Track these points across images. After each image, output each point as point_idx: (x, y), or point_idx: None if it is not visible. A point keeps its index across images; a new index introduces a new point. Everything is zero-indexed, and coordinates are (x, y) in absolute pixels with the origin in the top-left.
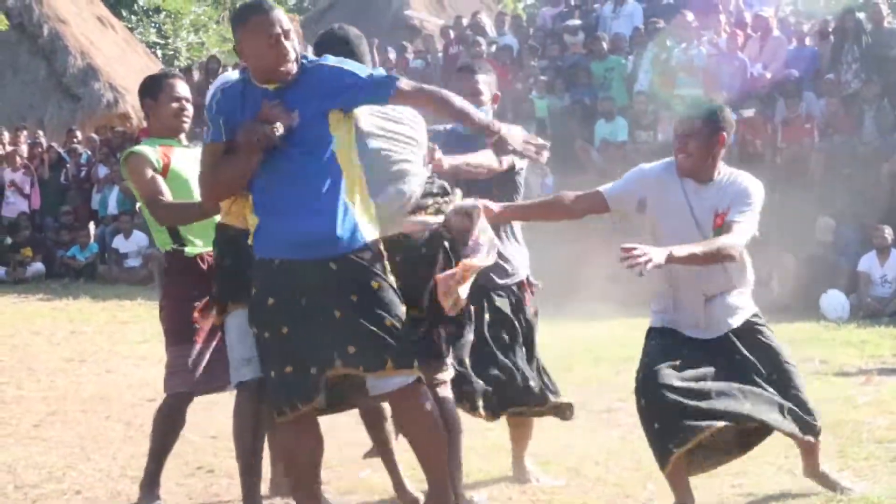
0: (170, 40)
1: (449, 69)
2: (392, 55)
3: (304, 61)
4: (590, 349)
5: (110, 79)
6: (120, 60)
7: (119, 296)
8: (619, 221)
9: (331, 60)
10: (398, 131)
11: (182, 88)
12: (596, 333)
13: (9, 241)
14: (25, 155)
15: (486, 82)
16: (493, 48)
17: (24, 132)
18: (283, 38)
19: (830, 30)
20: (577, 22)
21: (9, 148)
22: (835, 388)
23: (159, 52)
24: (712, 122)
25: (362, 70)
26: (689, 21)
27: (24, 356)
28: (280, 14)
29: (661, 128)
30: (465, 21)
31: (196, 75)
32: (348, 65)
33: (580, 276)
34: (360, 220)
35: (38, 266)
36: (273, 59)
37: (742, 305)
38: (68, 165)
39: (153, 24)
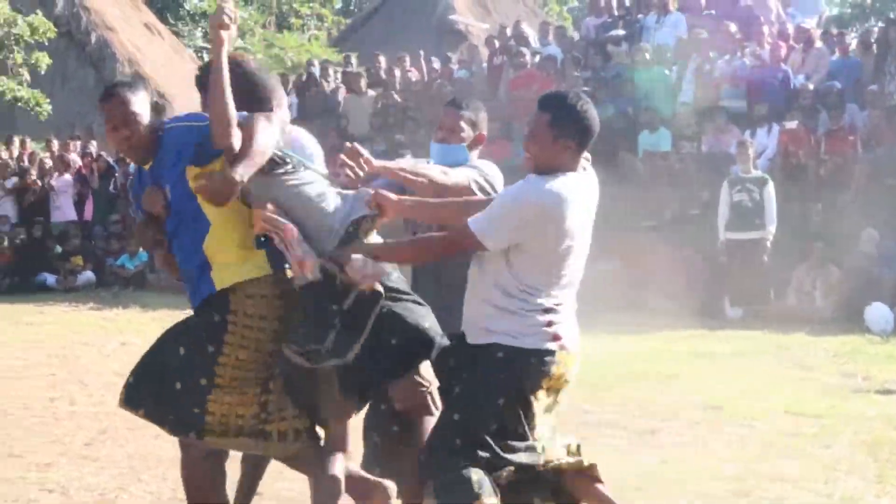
0: None
1: (493, 79)
2: (436, 64)
3: (164, 126)
4: (631, 365)
5: (157, 86)
6: (167, 67)
7: (169, 305)
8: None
9: (181, 121)
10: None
11: None
12: (637, 348)
13: (59, 249)
14: (79, 164)
15: (471, 121)
16: (537, 58)
17: (77, 141)
18: (113, 130)
19: (873, 40)
20: (620, 32)
21: (57, 155)
22: (876, 405)
23: (206, 57)
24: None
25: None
26: (732, 32)
27: (74, 369)
28: (122, 98)
29: (705, 139)
30: (508, 31)
31: None
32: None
33: (619, 285)
34: (218, 270)
35: (88, 274)
36: (118, 146)
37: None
38: (117, 174)
39: (200, 29)
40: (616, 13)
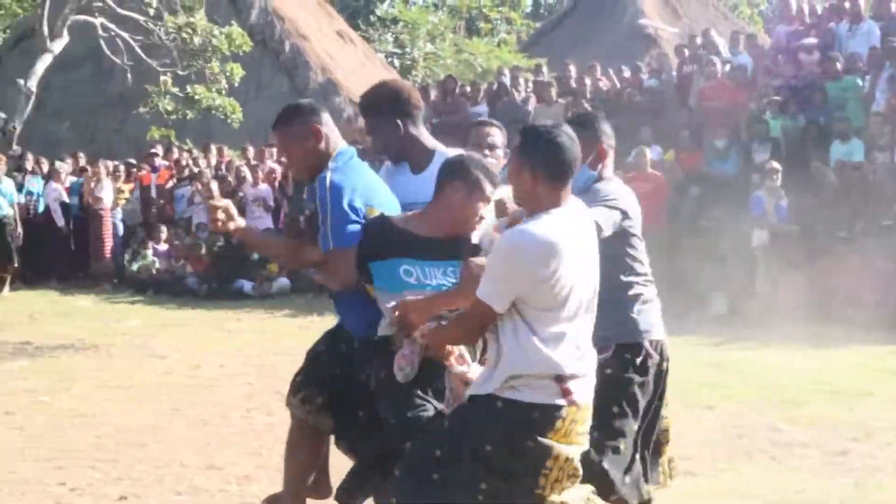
0: (406, 50)
1: (682, 88)
2: (626, 73)
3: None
4: (823, 381)
5: (350, 93)
6: (359, 74)
7: None
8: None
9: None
10: None
11: None
12: (829, 363)
13: (255, 256)
14: (277, 171)
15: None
16: (727, 67)
17: (273, 149)
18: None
19: None
20: (812, 40)
21: (253, 163)
22: None
23: (396, 62)
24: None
25: None
26: None
27: (271, 379)
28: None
29: None
30: (698, 39)
31: (433, 94)
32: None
33: (811, 297)
34: None
35: (283, 281)
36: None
37: None
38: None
39: (390, 35)
40: (808, 21)
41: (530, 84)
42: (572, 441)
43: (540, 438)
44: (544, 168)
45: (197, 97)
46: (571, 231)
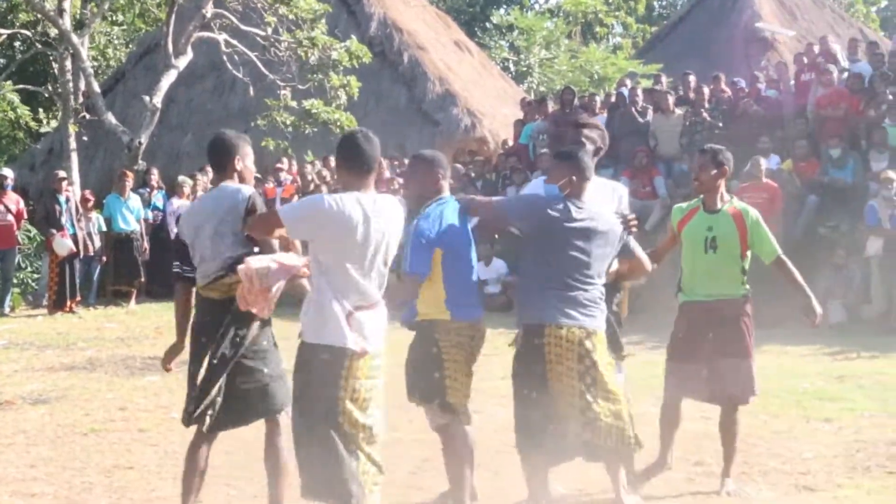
0: (521, 57)
1: (800, 96)
2: (743, 83)
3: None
4: None
5: (467, 104)
6: (476, 85)
7: None
8: None
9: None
10: None
11: None
12: None
13: None
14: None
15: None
16: (845, 75)
17: (394, 160)
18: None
19: None
20: None
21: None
22: None
23: (512, 68)
24: None
25: None
26: None
27: (394, 393)
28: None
29: None
30: (816, 48)
31: (550, 105)
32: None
33: None
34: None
35: None
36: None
37: None
38: None
39: (506, 42)
40: None
41: (648, 96)
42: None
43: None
44: (340, 159)
45: (314, 111)
46: (368, 208)
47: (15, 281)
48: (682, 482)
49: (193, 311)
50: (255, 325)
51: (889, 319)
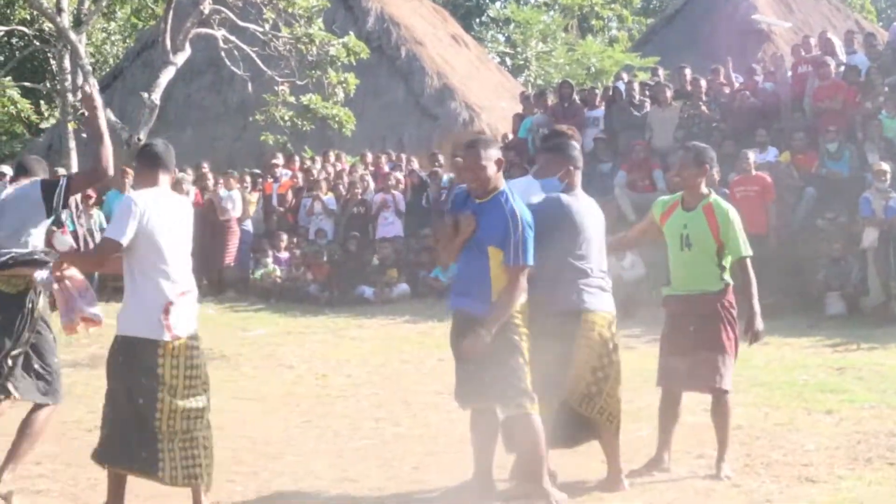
0: (518, 50)
1: (797, 90)
2: (739, 80)
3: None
4: None
5: (465, 98)
6: (474, 78)
7: None
8: None
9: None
10: None
11: None
12: None
13: (376, 261)
14: (402, 180)
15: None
16: (842, 68)
17: (391, 154)
18: (467, 171)
19: None
20: None
21: (370, 169)
22: None
23: (508, 62)
24: None
25: None
26: None
27: (397, 388)
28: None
29: None
30: (813, 41)
31: (550, 99)
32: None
33: None
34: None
35: (403, 287)
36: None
37: None
38: (429, 189)
39: (502, 35)
40: None
41: (645, 90)
42: None
43: None
44: (140, 160)
45: (312, 106)
46: (162, 203)
47: None
48: (684, 475)
49: None
50: None
51: (887, 310)
